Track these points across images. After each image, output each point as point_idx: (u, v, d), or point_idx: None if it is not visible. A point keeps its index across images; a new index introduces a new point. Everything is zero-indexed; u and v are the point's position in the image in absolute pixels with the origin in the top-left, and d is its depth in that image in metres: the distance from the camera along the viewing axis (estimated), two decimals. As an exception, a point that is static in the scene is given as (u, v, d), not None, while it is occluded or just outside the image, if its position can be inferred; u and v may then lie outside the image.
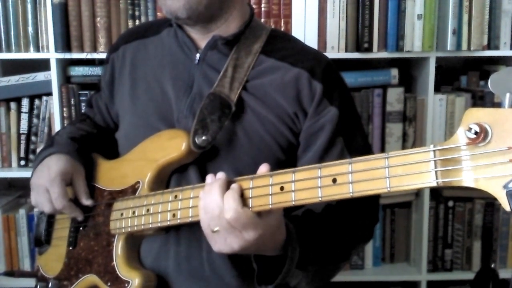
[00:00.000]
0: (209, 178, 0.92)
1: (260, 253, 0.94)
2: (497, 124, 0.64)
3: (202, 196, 0.90)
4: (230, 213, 0.85)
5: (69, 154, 1.17)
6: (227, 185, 0.88)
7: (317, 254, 1.01)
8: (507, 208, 0.59)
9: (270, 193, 0.84)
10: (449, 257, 2.03)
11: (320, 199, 0.79)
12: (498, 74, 0.66)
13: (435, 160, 0.68)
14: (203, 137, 1.04)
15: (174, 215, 0.99)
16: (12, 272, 1.43)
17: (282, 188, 0.83)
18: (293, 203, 0.82)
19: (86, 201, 1.17)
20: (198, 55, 1.13)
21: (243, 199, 0.87)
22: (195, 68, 1.13)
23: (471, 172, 0.66)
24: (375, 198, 1.18)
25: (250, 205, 0.86)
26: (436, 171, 0.68)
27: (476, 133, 0.64)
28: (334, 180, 0.78)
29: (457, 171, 0.67)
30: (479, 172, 0.65)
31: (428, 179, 0.68)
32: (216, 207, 0.86)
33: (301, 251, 0.96)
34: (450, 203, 2.01)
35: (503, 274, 1.86)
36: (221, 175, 0.90)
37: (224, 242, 0.88)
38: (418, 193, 2.02)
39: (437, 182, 0.67)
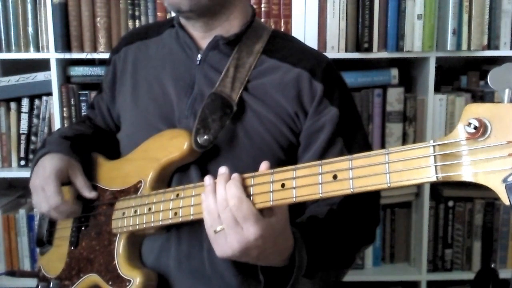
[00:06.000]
0: (207, 179, 0.91)
1: (263, 261, 0.92)
2: (496, 119, 0.64)
3: (204, 197, 0.89)
4: (233, 200, 0.84)
5: (61, 152, 1.17)
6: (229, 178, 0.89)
7: (324, 261, 1.01)
8: (507, 202, 0.59)
9: (271, 190, 0.84)
10: (449, 257, 2.03)
11: (321, 195, 0.79)
12: (497, 69, 0.66)
13: (434, 155, 0.68)
14: (205, 137, 1.04)
15: (176, 214, 0.99)
16: (13, 272, 1.42)
17: (283, 185, 0.83)
18: (294, 199, 0.82)
19: (90, 194, 1.16)
20: (199, 55, 1.14)
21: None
22: (196, 68, 1.14)
23: (470, 167, 0.66)
24: (376, 199, 1.18)
25: (252, 203, 0.86)
26: (436, 166, 0.68)
27: (475, 128, 0.64)
28: (335, 177, 0.78)
29: (456, 166, 0.67)
30: (479, 167, 0.65)
31: (428, 174, 0.69)
32: (221, 199, 0.86)
33: (309, 259, 0.95)
34: (450, 203, 2.01)
35: (503, 274, 1.84)
36: (223, 169, 0.89)
37: (225, 242, 0.87)
38: (418, 193, 2.02)
39: (437, 177, 0.67)
